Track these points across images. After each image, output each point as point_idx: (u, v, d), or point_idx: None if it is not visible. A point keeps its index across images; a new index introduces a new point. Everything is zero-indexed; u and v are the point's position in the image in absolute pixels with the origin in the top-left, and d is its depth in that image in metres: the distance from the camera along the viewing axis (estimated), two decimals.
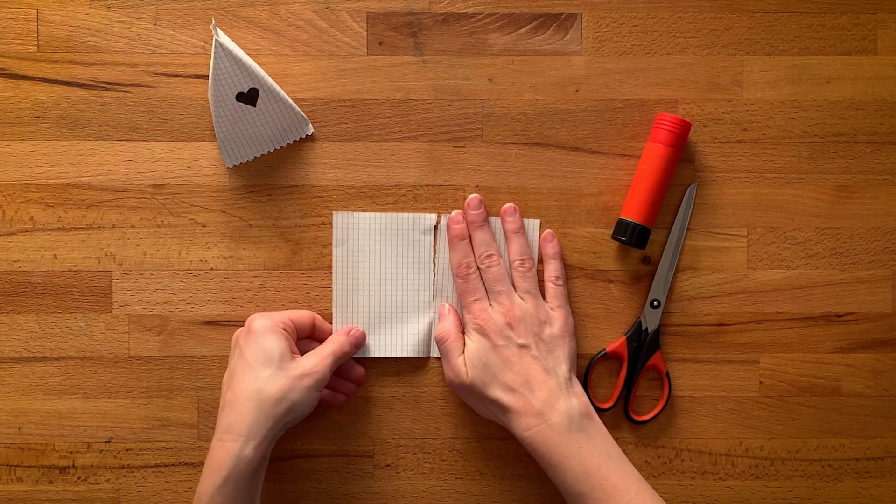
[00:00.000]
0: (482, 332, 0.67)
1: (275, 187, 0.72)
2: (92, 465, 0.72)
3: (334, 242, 0.71)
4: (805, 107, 0.72)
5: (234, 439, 0.60)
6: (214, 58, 0.66)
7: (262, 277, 0.72)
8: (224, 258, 0.72)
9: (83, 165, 0.71)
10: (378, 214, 0.71)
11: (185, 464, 0.72)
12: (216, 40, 0.65)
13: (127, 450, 0.72)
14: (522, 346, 0.66)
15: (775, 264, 0.72)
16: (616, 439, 0.67)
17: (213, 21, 0.69)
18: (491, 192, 0.72)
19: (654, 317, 0.71)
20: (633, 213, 0.70)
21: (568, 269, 0.72)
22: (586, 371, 0.72)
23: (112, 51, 0.71)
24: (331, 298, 0.71)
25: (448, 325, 0.69)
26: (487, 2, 0.71)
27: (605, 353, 0.72)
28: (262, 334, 0.64)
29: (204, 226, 0.71)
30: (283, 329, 0.65)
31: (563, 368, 0.67)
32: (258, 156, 0.71)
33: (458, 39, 0.71)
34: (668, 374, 0.72)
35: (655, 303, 0.71)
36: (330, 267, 0.72)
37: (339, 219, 0.71)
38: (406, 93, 0.71)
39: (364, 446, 0.72)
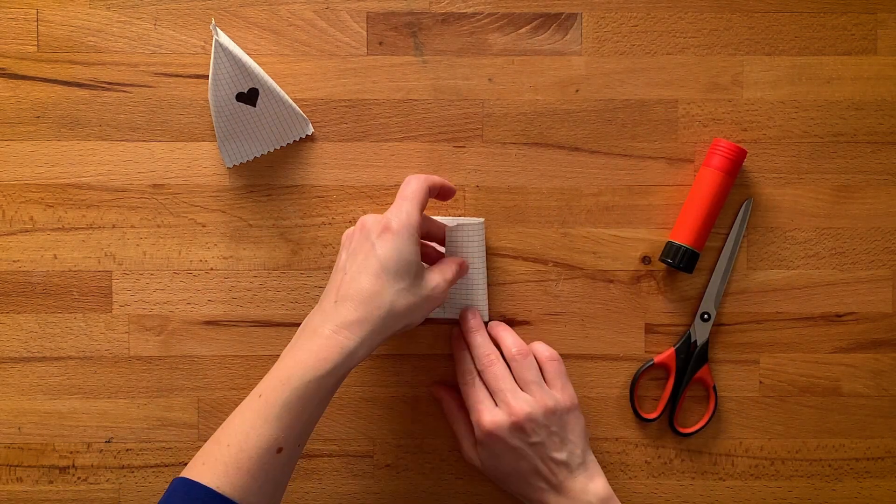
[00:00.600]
0: (492, 439, 0.65)
1: (275, 187, 0.72)
2: (92, 465, 0.72)
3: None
4: (805, 107, 0.72)
5: (351, 338, 0.59)
6: (214, 58, 0.66)
7: (262, 277, 0.72)
8: (224, 258, 0.72)
9: (83, 165, 0.71)
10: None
11: (185, 464, 0.71)
12: (216, 40, 0.65)
13: (127, 450, 0.72)
14: (535, 444, 0.65)
15: (775, 264, 0.72)
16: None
17: (213, 21, 0.69)
18: (491, 192, 0.72)
19: (704, 330, 0.71)
20: (683, 236, 0.69)
21: (568, 269, 0.72)
22: (633, 381, 0.72)
23: (112, 51, 0.71)
24: None
25: (449, 407, 0.70)
26: (487, 2, 0.71)
27: (653, 364, 0.72)
28: (405, 240, 0.61)
29: (204, 226, 0.71)
30: (418, 233, 0.63)
31: (577, 452, 0.66)
32: (258, 156, 0.71)
33: (458, 39, 0.71)
34: (714, 388, 0.72)
35: (706, 316, 0.71)
36: (330, 267, 0.71)
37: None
38: (406, 93, 0.72)
39: (364, 446, 0.72)
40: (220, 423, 0.71)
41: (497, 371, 0.66)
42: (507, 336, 0.68)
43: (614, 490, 0.66)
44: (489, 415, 0.65)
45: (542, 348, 0.68)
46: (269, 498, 0.58)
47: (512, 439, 0.65)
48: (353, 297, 0.60)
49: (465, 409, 0.69)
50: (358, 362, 0.60)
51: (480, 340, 0.68)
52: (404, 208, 0.62)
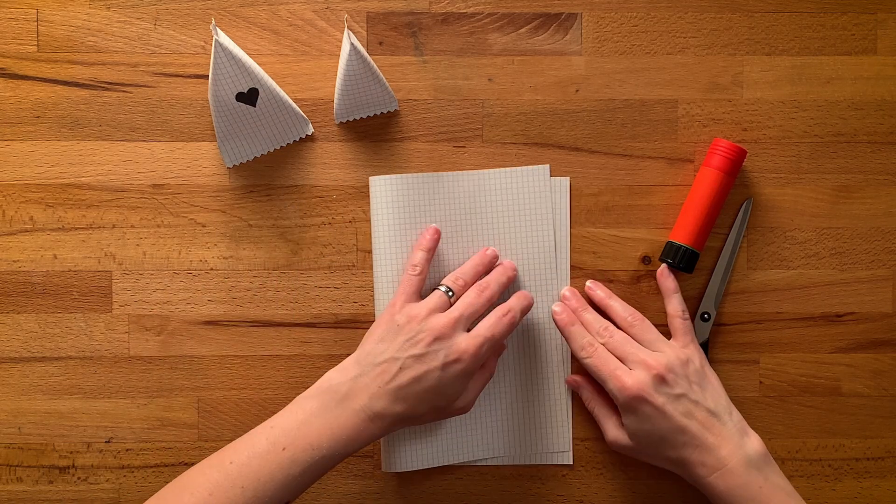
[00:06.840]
0: (637, 399, 0.65)
1: (275, 187, 0.72)
2: (92, 465, 0.72)
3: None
4: (805, 107, 0.72)
5: (382, 428, 0.63)
6: (214, 58, 0.66)
7: (262, 277, 0.72)
8: (224, 258, 0.72)
9: (83, 165, 0.71)
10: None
11: (185, 464, 0.72)
12: (216, 40, 0.65)
13: (127, 450, 0.72)
14: (680, 396, 0.65)
15: (775, 264, 0.72)
16: None
17: (213, 21, 0.69)
18: None
19: (704, 330, 0.71)
20: (682, 236, 0.70)
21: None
22: None
23: (112, 51, 0.71)
24: (332, 298, 0.71)
25: (588, 394, 0.71)
26: (487, 2, 0.71)
27: None
28: (466, 378, 0.64)
29: (204, 226, 0.71)
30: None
31: (723, 404, 0.66)
32: (258, 156, 0.71)
33: (458, 39, 0.71)
34: None
35: (706, 316, 0.71)
36: (330, 267, 0.71)
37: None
38: (406, 93, 0.72)
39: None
40: (220, 424, 0.72)
41: (619, 337, 0.68)
42: (617, 305, 0.70)
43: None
44: (629, 377, 0.65)
45: (675, 303, 0.70)
46: None
47: (657, 396, 0.64)
48: (397, 398, 0.62)
49: (602, 393, 0.70)
50: None
51: (591, 317, 0.69)
52: (484, 348, 0.64)
